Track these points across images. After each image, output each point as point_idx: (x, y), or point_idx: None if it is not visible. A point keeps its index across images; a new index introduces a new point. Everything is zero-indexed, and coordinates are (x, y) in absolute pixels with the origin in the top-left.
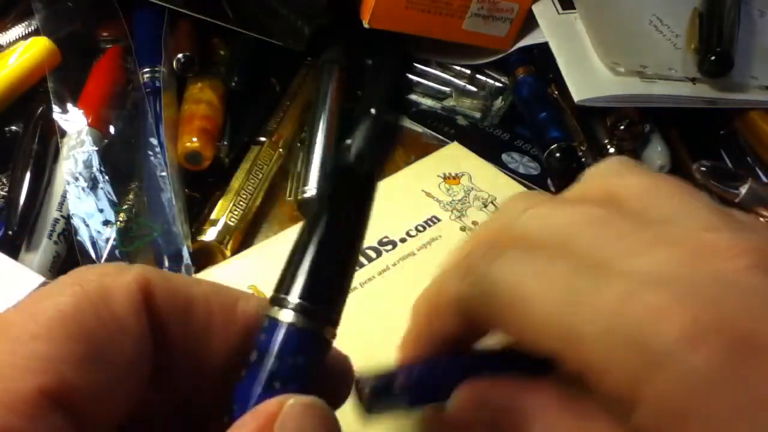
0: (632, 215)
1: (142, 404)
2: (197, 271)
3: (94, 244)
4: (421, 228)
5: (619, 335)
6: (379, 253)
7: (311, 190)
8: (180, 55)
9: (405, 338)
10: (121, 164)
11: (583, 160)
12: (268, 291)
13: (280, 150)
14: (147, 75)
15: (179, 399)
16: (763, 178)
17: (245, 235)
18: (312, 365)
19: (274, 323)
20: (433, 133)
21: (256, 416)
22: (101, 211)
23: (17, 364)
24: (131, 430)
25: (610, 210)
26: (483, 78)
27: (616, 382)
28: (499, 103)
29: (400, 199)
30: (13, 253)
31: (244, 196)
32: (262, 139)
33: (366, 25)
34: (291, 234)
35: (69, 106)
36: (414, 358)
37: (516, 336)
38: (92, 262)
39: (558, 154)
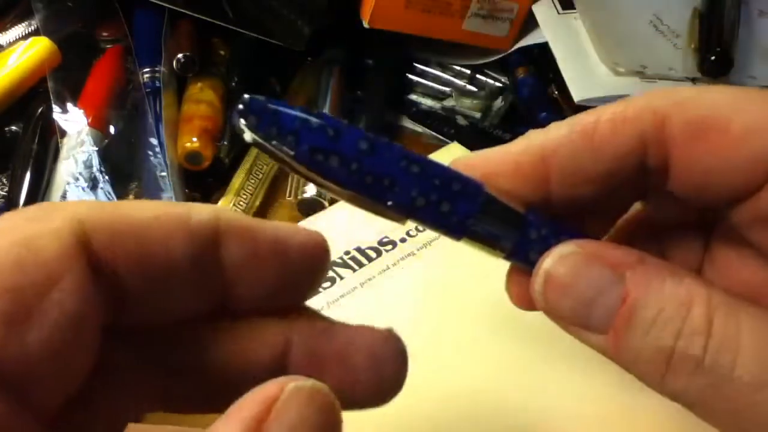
0: None
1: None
2: None
3: None
4: (421, 228)
5: None
6: (379, 253)
7: (311, 189)
8: (180, 55)
9: (511, 153)
10: (121, 164)
11: None
12: None
13: None
14: (147, 75)
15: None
16: None
17: None
18: None
19: None
20: (433, 133)
21: (255, 399)
22: None
23: None
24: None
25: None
26: (483, 78)
27: None
28: (499, 103)
29: None
30: None
31: (244, 196)
32: None
33: (366, 25)
34: None
35: (69, 106)
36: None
37: (722, 152)
38: None
39: None
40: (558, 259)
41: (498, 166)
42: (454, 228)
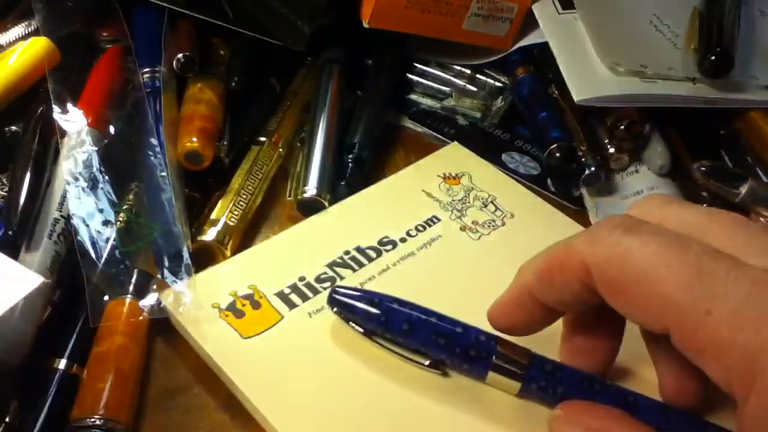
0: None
1: None
2: (197, 271)
3: (94, 244)
4: (421, 228)
5: (749, 312)
6: (379, 253)
7: (311, 190)
8: (180, 55)
9: (510, 298)
10: (121, 164)
11: (583, 160)
12: (268, 291)
13: (280, 150)
14: (147, 75)
15: None
16: (764, 178)
17: (245, 235)
18: None
19: None
20: (433, 133)
21: None
22: (101, 211)
23: None
24: None
25: (737, 216)
26: (483, 78)
27: (738, 357)
28: (499, 103)
29: (400, 199)
30: (13, 253)
31: (244, 196)
32: (262, 139)
33: (366, 25)
34: (291, 234)
35: (69, 106)
36: (516, 321)
37: (633, 308)
38: (92, 262)
39: (558, 154)
40: (552, 419)
41: (512, 313)
42: (475, 376)
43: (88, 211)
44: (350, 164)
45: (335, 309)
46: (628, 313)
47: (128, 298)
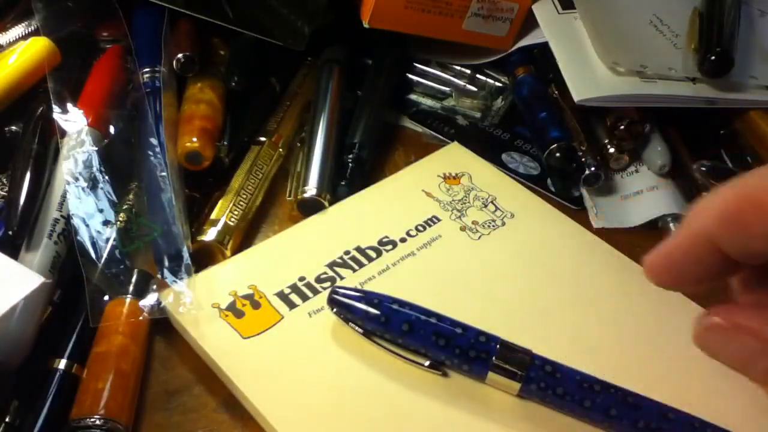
0: None
1: None
2: (197, 271)
3: (94, 244)
4: (421, 228)
5: None
6: (379, 253)
7: (311, 190)
8: (180, 55)
9: (678, 248)
10: (121, 164)
11: (583, 160)
12: (268, 291)
13: (280, 150)
14: (147, 75)
15: None
16: None
17: (245, 235)
18: None
19: None
20: (433, 133)
21: None
22: (101, 211)
23: None
24: None
25: None
26: (483, 78)
27: None
28: (499, 103)
29: (400, 199)
30: (13, 253)
31: (244, 196)
32: (262, 139)
33: (366, 25)
34: (291, 234)
35: (69, 106)
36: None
37: None
38: (92, 262)
39: (558, 154)
40: (704, 331)
41: (680, 267)
42: (475, 376)
43: (88, 211)
44: (350, 164)
45: (335, 309)
46: None
47: (128, 298)
